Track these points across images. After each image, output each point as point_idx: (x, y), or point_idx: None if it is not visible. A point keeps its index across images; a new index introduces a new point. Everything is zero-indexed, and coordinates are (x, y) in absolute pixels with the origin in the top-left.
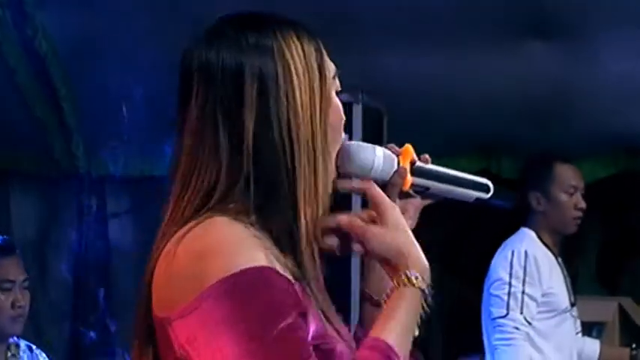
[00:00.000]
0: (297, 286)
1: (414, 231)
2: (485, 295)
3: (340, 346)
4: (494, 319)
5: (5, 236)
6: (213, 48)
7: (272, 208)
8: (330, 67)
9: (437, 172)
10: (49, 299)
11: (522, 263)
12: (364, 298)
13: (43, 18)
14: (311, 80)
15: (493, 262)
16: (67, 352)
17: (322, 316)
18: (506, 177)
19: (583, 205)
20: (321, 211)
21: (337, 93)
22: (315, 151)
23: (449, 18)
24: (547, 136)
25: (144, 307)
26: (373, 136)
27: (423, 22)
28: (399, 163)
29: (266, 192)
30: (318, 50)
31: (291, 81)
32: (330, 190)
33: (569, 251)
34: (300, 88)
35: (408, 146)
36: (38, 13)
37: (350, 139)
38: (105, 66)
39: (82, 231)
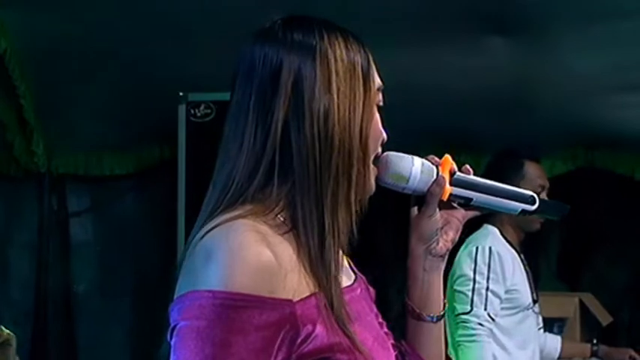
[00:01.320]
0: (308, 303)
1: (374, 226)
2: (448, 291)
3: (351, 357)
4: (458, 315)
5: None
6: (257, 44)
7: (298, 206)
8: (376, 80)
9: (478, 182)
10: (10, 299)
11: (486, 260)
12: (406, 310)
13: (2, 16)
14: (352, 85)
15: (457, 258)
16: (29, 352)
17: (342, 328)
18: None
19: None
20: (352, 218)
21: (378, 108)
22: (350, 154)
23: (409, 13)
24: (507, 132)
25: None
26: None
27: (384, 18)
28: (438, 173)
29: (292, 188)
30: (365, 60)
31: (330, 81)
32: (365, 199)
33: (530, 248)
34: (339, 89)
35: (448, 157)
36: None
37: None
38: (64, 62)
39: (43, 230)
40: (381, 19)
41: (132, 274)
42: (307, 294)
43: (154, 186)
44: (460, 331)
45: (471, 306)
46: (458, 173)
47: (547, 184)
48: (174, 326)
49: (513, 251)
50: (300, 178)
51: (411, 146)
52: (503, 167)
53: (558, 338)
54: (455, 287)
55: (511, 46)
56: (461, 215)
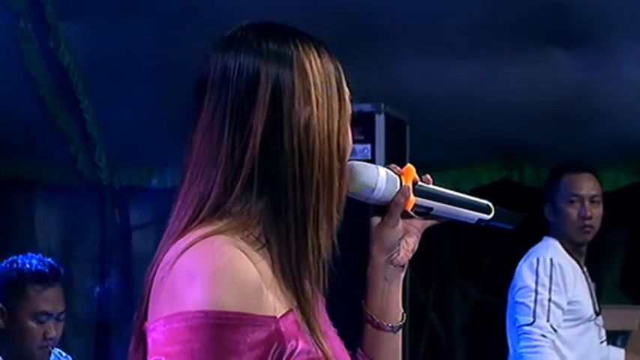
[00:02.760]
0: (288, 319)
1: (432, 241)
2: (510, 302)
3: None
4: (521, 326)
5: (52, 261)
6: (231, 52)
7: (277, 222)
8: (347, 91)
9: (439, 192)
10: (73, 312)
11: (548, 271)
12: (365, 319)
13: (65, 29)
14: (329, 97)
15: (518, 270)
16: None
17: (318, 343)
18: (528, 186)
19: (587, 213)
20: (333, 230)
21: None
22: (331, 167)
23: (470, 27)
24: (569, 144)
25: (143, 311)
26: (396, 146)
27: (445, 32)
28: (401, 183)
29: (271, 203)
30: (337, 70)
31: (309, 91)
32: (342, 211)
33: (593, 260)
34: (318, 101)
35: (410, 166)
36: (60, 25)
37: (373, 149)
38: (127, 76)
39: (106, 242)
40: (441, 33)
41: None
42: (285, 310)
43: None
44: (522, 343)
45: (534, 317)
46: (420, 183)
47: (589, 194)
48: (159, 353)
49: (575, 263)
50: (280, 194)
51: (471, 157)
52: (548, 181)
53: (622, 351)
54: (516, 299)
55: (572, 57)
56: (420, 224)
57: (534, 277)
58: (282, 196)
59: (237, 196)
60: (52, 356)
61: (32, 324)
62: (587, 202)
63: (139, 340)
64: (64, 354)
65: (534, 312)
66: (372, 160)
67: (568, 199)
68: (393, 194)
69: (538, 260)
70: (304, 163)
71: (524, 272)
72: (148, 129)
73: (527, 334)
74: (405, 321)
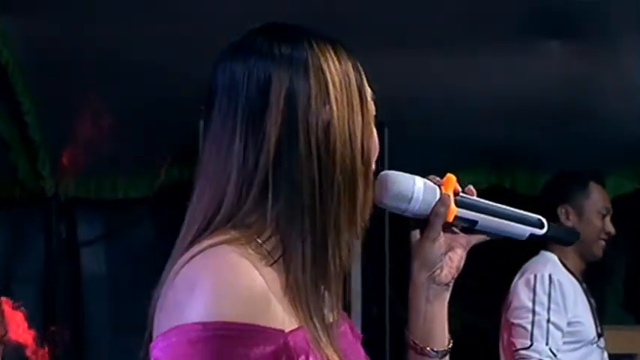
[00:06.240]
0: (298, 335)
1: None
2: (503, 323)
3: None
4: (517, 350)
5: None
6: (238, 59)
7: (294, 230)
8: (369, 90)
9: (483, 204)
10: None
11: (546, 289)
12: (407, 345)
13: (3, 25)
14: (349, 97)
15: (513, 286)
16: None
17: None
18: (521, 193)
19: (612, 230)
20: (355, 240)
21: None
22: (354, 170)
23: (455, 19)
24: (566, 147)
25: (149, 333)
26: None
27: (427, 26)
28: (441, 193)
29: (287, 210)
30: (356, 69)
31: (327, 92)
32: (367, 219)
33: (593, 277)
34: (337, 100)
35: (451, 176)
36: None
37: None
38: (73, 75)
39: (51, 260)
40: (427, 26)
41: (148, 308)
42: (296, 326)
43: (173, 211)
44: None
45: (531, 340)
46: (461, 194)
47: (610, 210)
48: None
49: (575, 280)
50: (297, 200)
51: (456, 161)
52: (566, 184)
53: None
54: (512, 320)
55: (570, 51)
56: (465, 241)
57: (531, 296)
58: (300, 203)
59: (250, 205)
60: None
61: None
62: (608, 218)
63: None
64: None
65: (532, 334)
66: None
67: (599, 209)
68: (432, 207)
69: (536, 277)
70: (323, 166)
71: (521, 290)
72: (98, 133)
73: (525, 358)
74: (452, 346)
